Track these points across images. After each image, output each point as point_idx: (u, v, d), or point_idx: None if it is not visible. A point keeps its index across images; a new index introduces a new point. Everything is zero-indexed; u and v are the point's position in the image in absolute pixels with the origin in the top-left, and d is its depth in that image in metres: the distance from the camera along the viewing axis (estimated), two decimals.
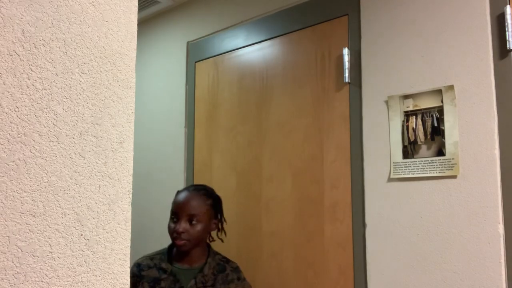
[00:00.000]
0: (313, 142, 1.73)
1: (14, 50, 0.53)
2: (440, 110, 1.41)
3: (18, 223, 0.52)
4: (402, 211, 1.46)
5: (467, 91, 1.37)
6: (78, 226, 0.58)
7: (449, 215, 1.37)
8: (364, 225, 1.55)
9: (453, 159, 1.37)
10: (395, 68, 1.53)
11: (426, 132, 1.43)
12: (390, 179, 1.50)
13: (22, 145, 0.53)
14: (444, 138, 1.40)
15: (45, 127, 0.55)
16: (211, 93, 2.14)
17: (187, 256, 1.60)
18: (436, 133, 1.42)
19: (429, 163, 1.42)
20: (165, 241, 2.25)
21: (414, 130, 1.46)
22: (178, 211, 1.57)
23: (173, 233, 1.56)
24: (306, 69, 1.79)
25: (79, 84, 0.59)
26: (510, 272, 1.26)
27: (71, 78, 0.58)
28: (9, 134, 0.52)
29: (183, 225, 1.54)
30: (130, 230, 0.64)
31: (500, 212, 1.28)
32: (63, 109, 0.57)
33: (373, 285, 1.51)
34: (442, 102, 1.41)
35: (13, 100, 0.53)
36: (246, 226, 1.90)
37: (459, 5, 1.41)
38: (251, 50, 1.99)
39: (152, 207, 2.34)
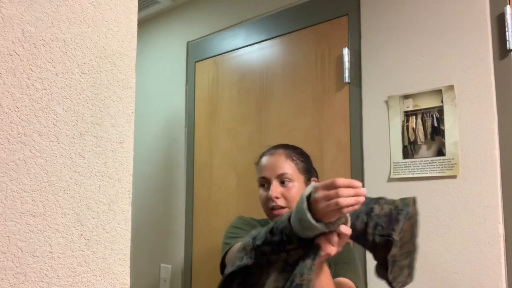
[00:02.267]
0: (313, 142, 1.73)
1: (14, 50, 0.53)
2: (440, 110, 1.41)
3: (18, 223, 0.52)
4: None
5: (467, 91, 1.37)
6: (78, 226, 0.58)
7: (449, 215, 1.37)
8: None
9: (453, 159, 1.37)
10: (395, 68, 1.53)
11: (426, 132, 1.43)
12: (390, 179, 1.50)
13: (22, 145, 0.53)
14: (444, 138, 1.40)
15: (45, 127, 0.55)
16: (211, 93, 2.14)
17: None
18: (436, 133, 1.41)
19: (429, 163, 1.42)
20: (166, 241, 2.25)
21: (414, 130, 1.46)
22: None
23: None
24: (306, 69, 1.79)
25: (79, 84, 0.59)
26: (510, 272, 1.26)
27: (71, 78, 0.58)
28: (9, 134, 0.52)
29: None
30: (130, 230, 0.64)
31: (500, 212, 1.28)
32: (63, 109, 0.57)
33: (373, 285, 1.51)
34: (442, 102, 1.41)
35: (13, 100, 0.53)
36: None
37: (459, 5, 1.41)
38: (251, 50, 1.99)
39: (152, 207, 2.34)
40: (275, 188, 1.24)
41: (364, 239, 0.93)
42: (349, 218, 0.91)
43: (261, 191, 1.29)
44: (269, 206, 1.25)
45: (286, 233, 0.90)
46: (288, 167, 1.27)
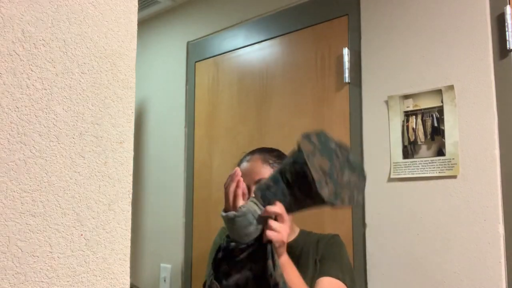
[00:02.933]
0: None
1: (14, 50, 0.53)
2: (440, 110, 1.41)
3: (18, 223, 0.52)
4: (402, 211, 1.46)
5: (467, 91, 1.37)
6: (78, 226, 0.58)
7: (449, 215, 1.37)
8: (364, 225, 1.55)
9: (453, 159, 1.37)
10: (395, 68, 1.53)
11: (426, 132, 1.43)
12: (390, 179, 1.50)
13: (22, 145, 0.53)
14: (444, 138, 1.40)
15: (45, 127, 0.55)
16: (211, 93, 2.14)
17: None
18: (436, 133, 1.41)
19: (429, 163, 1.42)
20: (166, 241, 2.25)
21: (414, 130, 1.46)
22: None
23: None
24: (306, 69, 1.79)
25: (79, 84, 0.59)
26: (510, 272, 1.26)
27: (71, 78, 0.58)
28: (9, 134, 0.52)
29: None
30: (130, 230, 0.64)
31: (500, 212, 1.28)
32: (63, 109, 0.57)
33: (373, 285, 1.51)
34: (442, 102, 1.41)
35: (13, 100, 0.53)
36: None
37: (459, 5, 1.41)
38: (251, 50, 1.99)
39: (152, 207, 2.34)
40: None
41: (299, 202, 1.01)
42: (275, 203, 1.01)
43: None
44: None
45: (232, 248, 0.99)
46: (265, 171, 1.27)
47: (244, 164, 1.32)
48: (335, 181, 0.96)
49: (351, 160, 1.03)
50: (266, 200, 1.01)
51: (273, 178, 1.03)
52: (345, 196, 0.97)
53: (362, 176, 1.04)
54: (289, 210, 1.01)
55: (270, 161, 1.30)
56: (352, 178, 1.01)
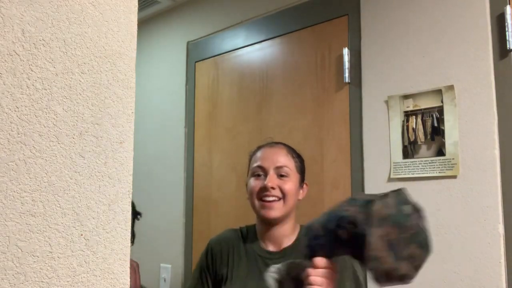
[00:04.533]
0: (313, 142, 1.73)
1: (14, 50, 0.53)
2: (440, 110, 1.41)
3: (18, 223, 0.52)
4: None
5: (467, 91, 1.37)
6: (78, 226, 0.58)
7: (449, 215, 1.37)
8: None
9: (453, 159, 1.37)
10: (395, 68, 1.53)
11: (426, 132, 1.43)
12: (390, 179, 1.50)
13: (22, 145, 0.53)
14: (444, 138, 1.40)
15: (45, 127, 0.55)
16: (211, 93, 2.14)
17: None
18: (436, 133, 1.41)
19: (429, 163, 1.42)
20: (166, 241, 2.25)
21: (414, 130, 1.46)
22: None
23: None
24: (306, 69, 1.79)
25: (79, 84, 0.59)
26: (510, 272, 1.26)
27: (71, 78, 0.58)
28: (9, 134, 0.52)
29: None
30: (130, 230, 0.64)
31: (500, 212, 1.28)
32: (63, 109, 0.57)
33: (373, 285, 1.51)
34: (442, 102, 1.41)
35: (13, 100, 0.53)
36: None
37: (459, 5, 1.41)
38: (251, 50, 1.99)
39: (152, 207, 2.34)
40: (272, 178, 1.19)
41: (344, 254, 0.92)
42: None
43: (253, 181, 1.23)
44: (261, 195, 1.20)
45: None
46: (288, 162, 1.23)
47: (267, 149, 1.27)
48: (395, 255, 0.85)
49: (423, 229, 0.87)
50: (312, 251, 0.93)
51: (324, 227, 0.90)
52: (396, 275, 0.87)
53: (426, 251, 0.89)
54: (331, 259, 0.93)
55: (294, 155, 1.26)
56: (416, 252, 0.88)
